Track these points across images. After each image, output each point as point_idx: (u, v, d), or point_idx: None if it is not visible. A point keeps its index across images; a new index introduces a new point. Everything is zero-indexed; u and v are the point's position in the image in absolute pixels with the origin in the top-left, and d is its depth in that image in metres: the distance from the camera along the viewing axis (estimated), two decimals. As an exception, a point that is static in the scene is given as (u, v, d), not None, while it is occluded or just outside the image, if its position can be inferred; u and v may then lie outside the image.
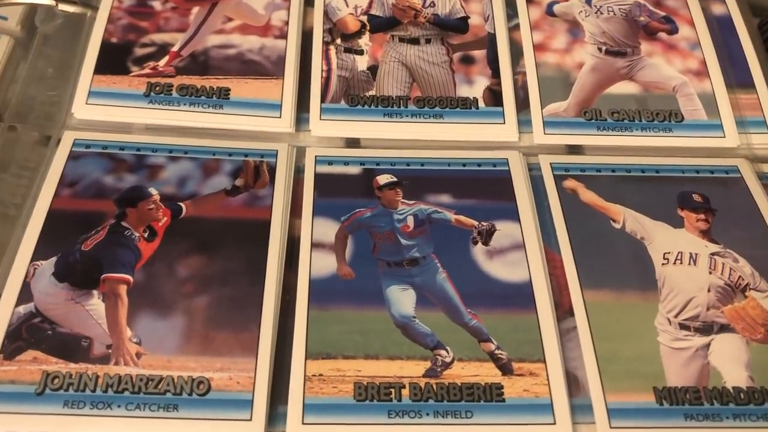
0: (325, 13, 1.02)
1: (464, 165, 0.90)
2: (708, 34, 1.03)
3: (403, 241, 0.81)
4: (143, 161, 0.86)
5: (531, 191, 0.87)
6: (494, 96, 0.96)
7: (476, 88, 0.96)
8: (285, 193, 0.84)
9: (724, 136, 0.94)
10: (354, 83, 0.97)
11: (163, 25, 0.98)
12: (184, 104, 0.91)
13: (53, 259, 0.76)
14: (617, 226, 0.84)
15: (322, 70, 0.97)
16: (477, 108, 0.95)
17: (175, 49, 0.96)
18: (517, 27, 1.03)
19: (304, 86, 0.96)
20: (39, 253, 0.76)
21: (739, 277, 0.79)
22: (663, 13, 1.05)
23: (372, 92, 0.96)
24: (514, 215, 0.84)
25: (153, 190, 0.82)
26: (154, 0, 1.01)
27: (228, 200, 0.83)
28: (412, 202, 0.85)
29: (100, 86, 0.92)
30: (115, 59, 0.95)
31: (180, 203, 0.81)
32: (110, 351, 0.70)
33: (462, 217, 0.83)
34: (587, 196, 0.87)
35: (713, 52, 1.01)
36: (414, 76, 0.98)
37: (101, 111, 0.90)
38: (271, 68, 0.96)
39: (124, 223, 0.78)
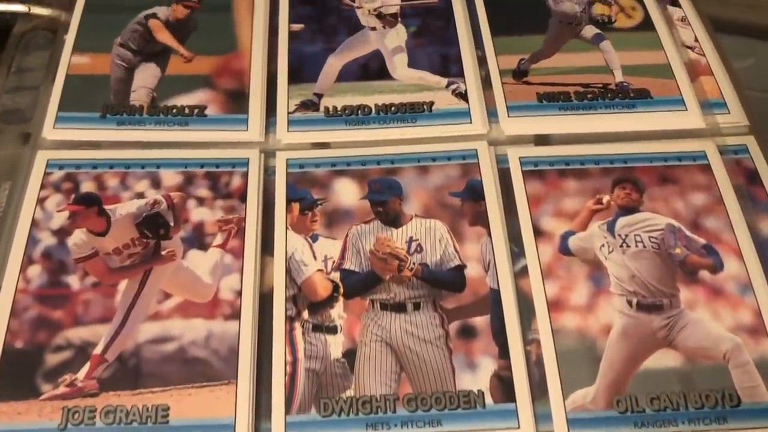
0: (288, 272, 0.81)
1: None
2: (760, 269, 0.84)
3: None
4: None
5: None
6: (504, 387, 0.76)
7: (481, 374, 0.77)
8: None
9: (793, 426, 0.75)
10: (326, 379, 0.77)
11: (81, 315, 0.78)
12: (112, 440, 0.71)
13: None
14: None
15: (285, 363, 0.77)
16: (483, 406, 0.75)
17: (97, 351, 0.76)
18: (524, 271, 0.83)
19: (263, 384, 0.76)
20: None
21: None
22: (703, 241, 0.85)
23: (350, 392, 0.76)
24: None
25: None
26: (69, 275, 0.80)
27: None
28: None
29: (1, 423, 0.71)
30: (20, 375, 0.75)
31: None
32: None
33: None
34: None
35: (769, 296, 0.82)
36: (402, 362, 0.78)
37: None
38: (221, 368, 0.76)
39: None
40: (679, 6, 1.08)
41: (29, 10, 1.01)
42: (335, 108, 0.95)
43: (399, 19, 1.03)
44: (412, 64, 0.99)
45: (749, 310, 0.81)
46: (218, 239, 0.83)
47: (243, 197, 0.86)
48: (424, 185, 0.88)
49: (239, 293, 0.79)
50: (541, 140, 0.94)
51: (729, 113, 0.96)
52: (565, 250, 0.85)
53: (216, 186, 0.87)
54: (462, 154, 0.91)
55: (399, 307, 0.81)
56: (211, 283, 0.80)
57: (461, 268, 0.82)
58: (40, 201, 0.85)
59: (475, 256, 0.83)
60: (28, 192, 0.85)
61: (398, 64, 0.99)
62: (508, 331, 0.79)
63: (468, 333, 0.79)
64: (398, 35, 1.02)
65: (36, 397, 0.73)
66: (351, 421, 0.74)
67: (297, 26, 1.03)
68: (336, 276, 0.82)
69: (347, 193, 0.88)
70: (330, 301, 0.81)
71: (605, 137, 0.94)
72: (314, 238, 0.84)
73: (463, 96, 0.96)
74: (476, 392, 0.76)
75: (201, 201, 0.86)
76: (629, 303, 0.81)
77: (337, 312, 0.80)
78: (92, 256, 0.80)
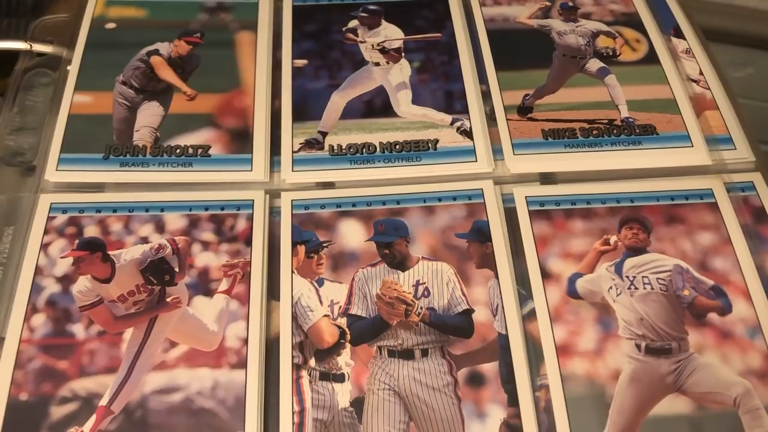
0: (294, 319, 0.81)
1: None
2: (770, 311, 0.83)
3: None
4: None
5: None
6: (513, 435, 0.75)
7: (490, 424, 0.77)
8: None
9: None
10: (334, 429, 0.77)
11: (87, 365, 0.77)
12: (118, 492, 0.70)
13: None
14: None
15: (293, 413, 0.76)
16: (493, 455, 0.74)
17: (103, 402, 0.75)
18: (532, 314, 0.83)
19: (272, 434, 0.75)
20: None
21: None
22: (711, 282, 0.85)
23: (358, 442, 0.76)
24: None
25: None
26: (74, 323, 0.80)
27: None
28: None
29: (5, 479, 0.71)
30: (25, 429, 0.73)
31: None
32: None
33: None
34: None
35: (778, 339, 0.81)
36: (410, 411, 0.78)
37: None
38: (228, 419, 0.75)
39: None
40: (683, 37, 1.08)
41: (31, 47, 1.00)
42: (340, 146, 0.94)
43: (402, 54, 1.03)
44: (416, 100, 0.99)
45: (758, 353, 0.81)
46: (223, 285, 0.82)
47: (248, 241, 0.85)
48: (430, 226, 0.88)
49: (245, 341, 0.79)
50: (547, 178, 0.94)
51: (735, 149, 0.96)
52: (572, 293, 0.84)
53: (221, 229, 0.86)
54: (468, 194, 0.90)
55: (407, 354, 0.80)
56: (217, 331, 0.79)
57: (469, 312, 0.82)
58: (44, 246, 0.84)
59: (483, 299, 0.83)
60: (32, 237, 0.84)
61: (402, 101, 0.98)
62: (517, 378, 0.78)
63: (477, 380, 0.79)
64: (402, 71, 1.01)
65: (41, 452, 0.72)
66: (360, 473, 0.73)
67: (300, 62, 1.02)
68: (342, 321, 0.81)
69: (353, 234, 0.87)
70: (337, 348, 0.80)
71: (611, 174, 0.93)
72: (320, 282, 0.84)
73: (468, 134, 0.95)
74: (485, 441, 0.75)
75: (206, 245, 0.85)
76: (638, 347, 0.81)
77: (344, 359, 0.80)
78: (97, 303, 0.80)
